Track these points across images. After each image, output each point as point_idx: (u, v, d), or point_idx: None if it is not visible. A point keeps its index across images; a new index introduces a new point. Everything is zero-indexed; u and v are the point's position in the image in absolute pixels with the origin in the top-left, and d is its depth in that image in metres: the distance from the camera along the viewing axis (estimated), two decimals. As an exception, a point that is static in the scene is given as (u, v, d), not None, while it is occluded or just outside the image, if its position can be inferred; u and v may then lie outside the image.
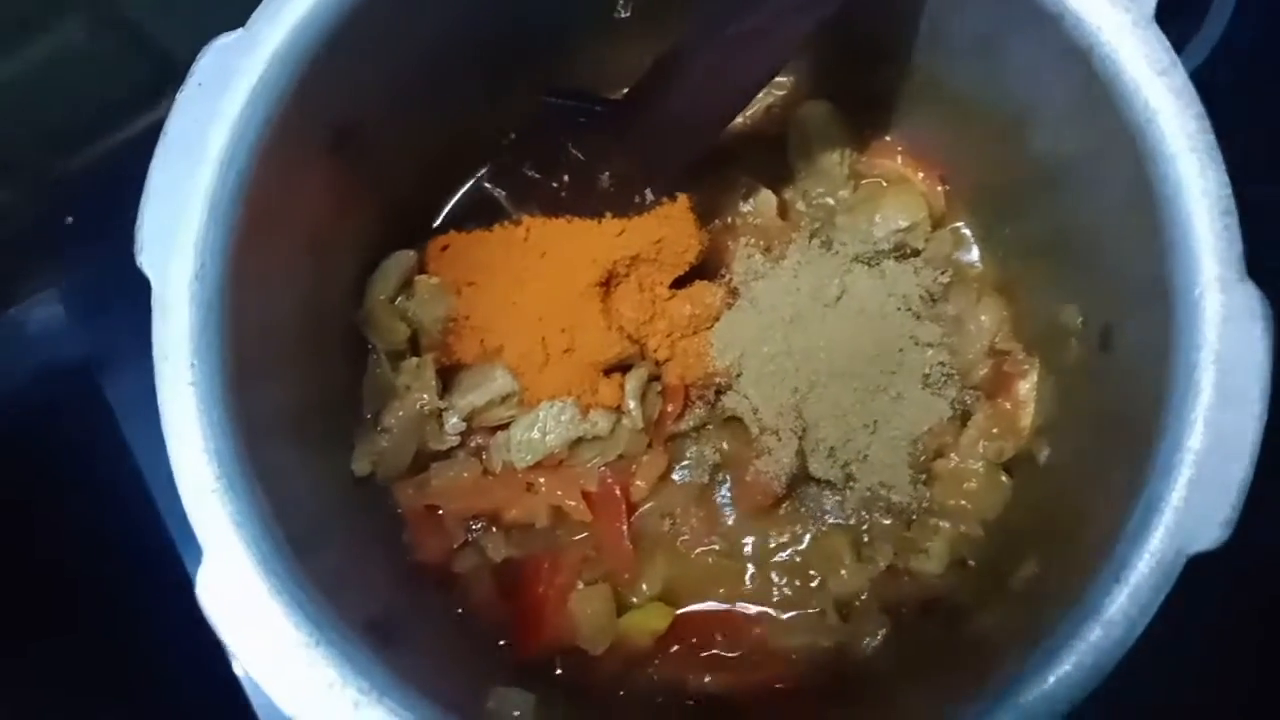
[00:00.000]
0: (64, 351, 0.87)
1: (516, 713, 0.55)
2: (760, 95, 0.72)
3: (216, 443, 0.47)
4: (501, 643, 0.64)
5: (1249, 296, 0.48)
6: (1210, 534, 0.47)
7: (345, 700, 0.45)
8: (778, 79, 0.73)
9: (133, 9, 0.74)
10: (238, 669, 0.76)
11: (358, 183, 0.60)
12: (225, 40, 0.50)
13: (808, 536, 0.68)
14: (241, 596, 0.46)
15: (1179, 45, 0.52)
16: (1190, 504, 0.47)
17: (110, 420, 0.82)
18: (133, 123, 0.85)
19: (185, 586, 0.76)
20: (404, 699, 0.46)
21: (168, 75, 0.81)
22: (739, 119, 0.72)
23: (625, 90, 0.64)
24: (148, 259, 0.48)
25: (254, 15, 0.50)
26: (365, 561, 0.59)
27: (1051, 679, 0.46)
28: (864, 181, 0.72)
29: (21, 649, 0.82)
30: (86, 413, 0.83)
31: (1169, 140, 0.50)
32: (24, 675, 0.82)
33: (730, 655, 0.66)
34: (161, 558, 0.78)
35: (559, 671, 0.65)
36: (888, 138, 0.73)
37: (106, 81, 0.81)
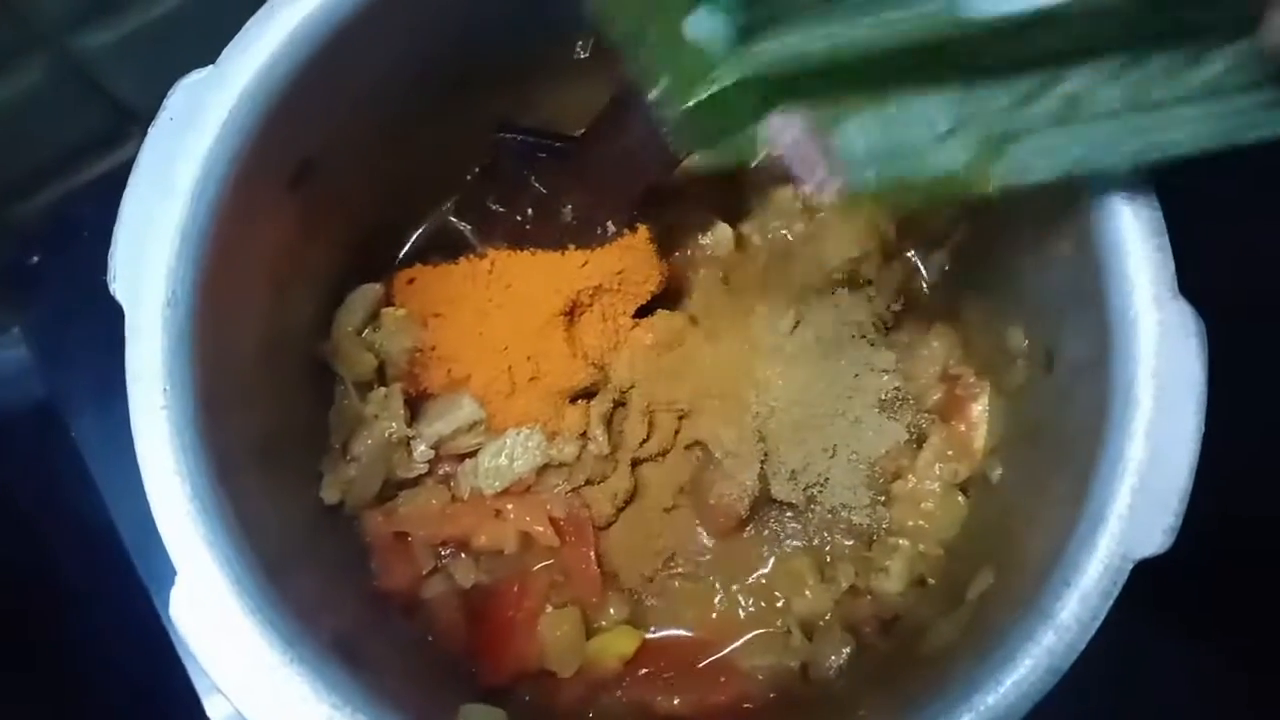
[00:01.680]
0: (28, 390, 0.87)
1: (489, 731, 0.55)
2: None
3: (188, 465, 0.48)
4: (469, 668, 0.64)
5: (1183, 314, 0.51)
6: (1154, 540, 0.49)
7: (319, 716, 0.45)
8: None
9: (89, 57, 0.75)
10: (208, 707, 0.76)
11: (322, 215, 0.61)
12: (195, 77, 0.52)
13: (772, 558, 0.69)
14: (214, 615, 0.46)
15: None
16: (1134, 511, 0.49)
17: (76, 458, 0.82)
18: (93, 166, 0.87)
19: (152, 621, 0.77)
20: (375, 714, 0.46)
21: (126, 120, 0.82)
22: (695, 156, 0.74)
23: (584, 127, 0.66)
24: (120, 286, 0.49)
25: (224, 53, 0.52)
26: (334, 585, 0.60)
27: (1008, 682, 0.48)
28: (818, 215, 0.74)
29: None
30: (52, 451, 0.83)
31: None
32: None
33: (697, 677, 0.67)
34: (128, 594, 0.78)
35: (526, 697, 0.65)
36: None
37: (66, 126, 0.82)
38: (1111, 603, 0.49)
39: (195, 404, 0.49)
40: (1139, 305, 0.51)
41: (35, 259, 0.87)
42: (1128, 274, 0.51)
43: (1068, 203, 0.54)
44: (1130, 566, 0.49)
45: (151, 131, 0.51)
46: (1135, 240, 0.52)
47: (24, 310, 0.88)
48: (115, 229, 0.50)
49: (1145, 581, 0.49)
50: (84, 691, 0.83)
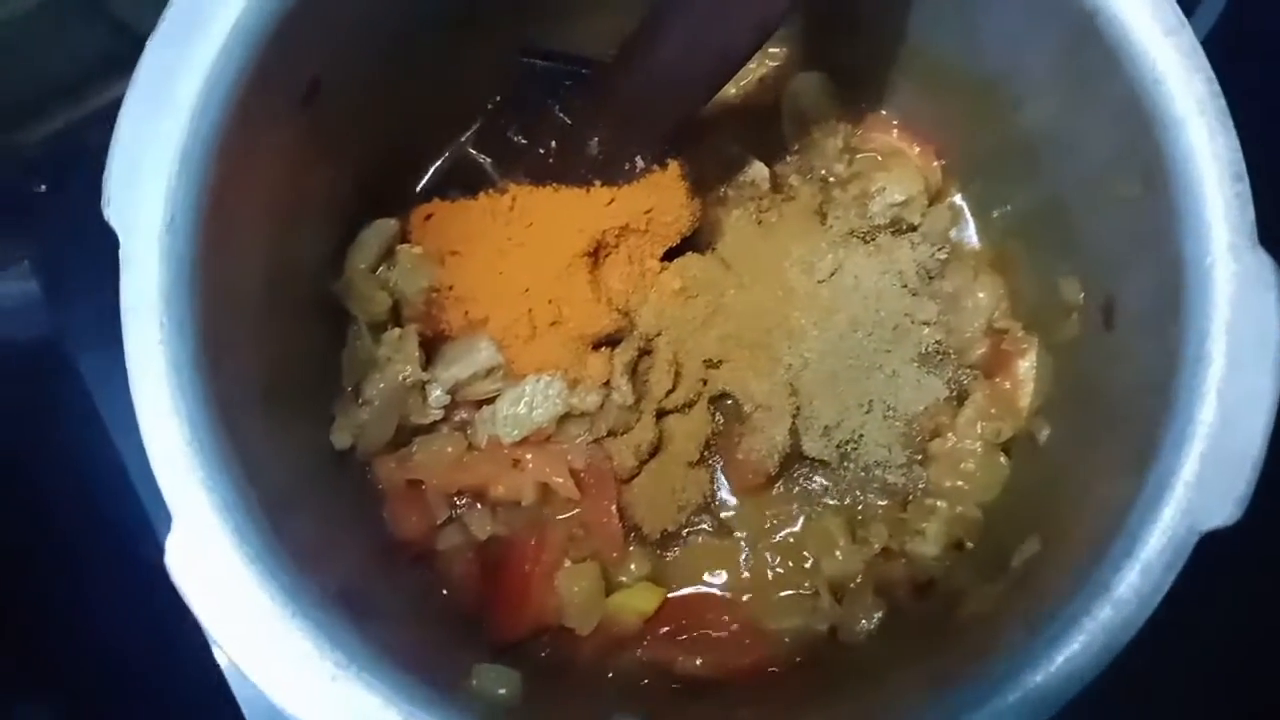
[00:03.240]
0: (36, 324, 0.85)
1: (502, 690, 0.53)
2: (753, 65, 0.71)
3: (186, 404, 0.45)
4: (484, 623, 0.62)
5: (1261, 265, 0.47)
6: (1223, 510, 0.46)
7: (322, 673, 0.43)
8: (770, 49, 0.71)
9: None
10: (219, 655, 0.74)
11: (333, 141, 0.58)
12: (198, -14, 0.48)
13: (801, 517, 0.66)
14: (212, 565, 0.44)
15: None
16: (1203, 479, 0.46)
17: (83, 392, 0.80)
18: (102, 92, 0.83)
19: (158, 561, 0.75)
20: (382, 672, 0.44)
21: (134, 44, 0.78)
22: (731, 89, 0.71)
23: (612, 52, 0.62)
24: (115, 211, 0.46)
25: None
26: (343, 535, 0.57)
27: (1060, 658, 0.45)
28: (859, 155, 0.71)
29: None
30: (59, 385, 0.81)
31: (1178, 103, 0.49)
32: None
33: (721, 637, 0.64)
34: (137, 534, 0.76)
35: (543, 653, 0.63)
36: (883, 111, 0.71)
37: (72, 48, 0.79)
38: (1174, 576, 0.45)
39: (195, 339, 0.46)
40: (1215, 253, 0.47)
41: (42, 188, 0.84)
42: (1204, 218, 0.47)
43: (1138, 135, 0.50)
44: (1196, 538, 0.45)
45: (150, 43, 0.47)
46: (1213, 182, 0.48)
47: (31, 241, 0.86)
48: (110, 149, 0.47)
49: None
50: (90, 633, 0.82)
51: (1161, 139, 0.49)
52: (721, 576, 0.65)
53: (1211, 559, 0.46)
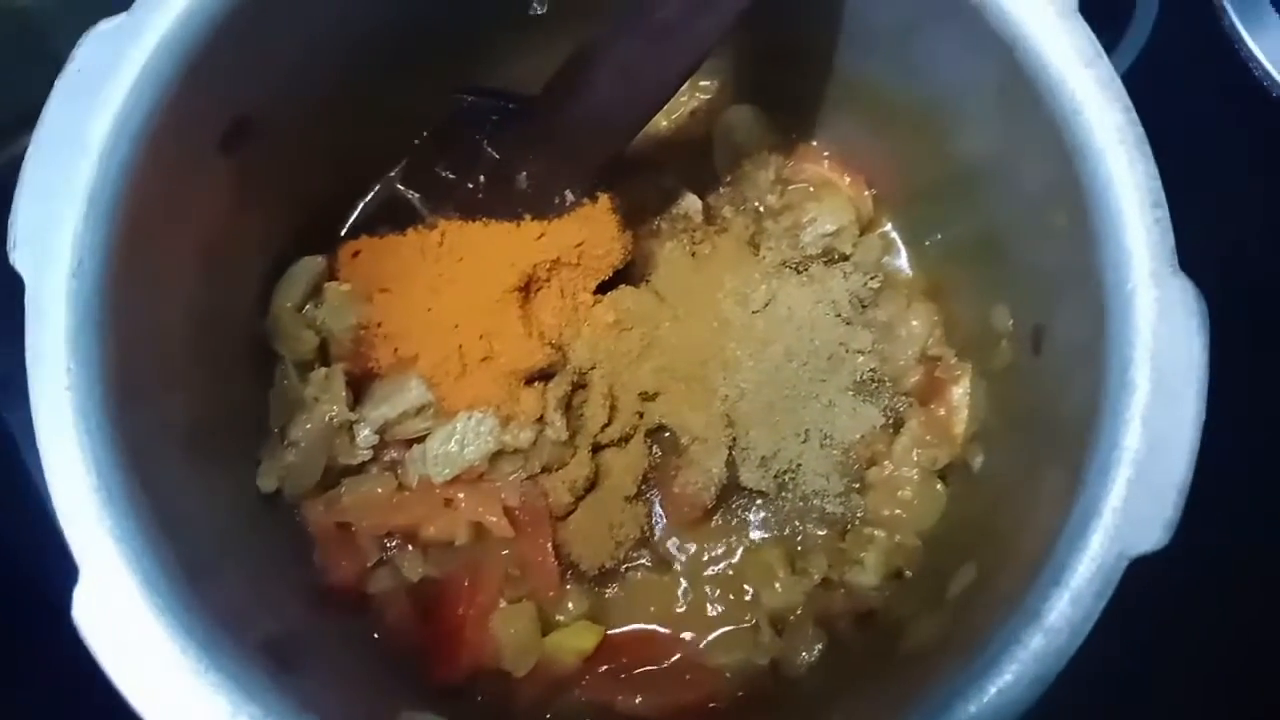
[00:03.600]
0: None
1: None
2: (684, 98, 0.71)
3: (95, 451, 0.43)
4: (419, 668, 0.60)
5: (1184, 290, 0.47)
6: (1151, 536, 0.45)
7: (237, 729, 0.41)
8: (702, 82, 0.71)
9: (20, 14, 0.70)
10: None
11: (257, 180, 0.57)
12: (107, 25, 0.47)
13: (740, 549, 0.66)
14: (120, 617, 0.42)
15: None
16: (1130, 505, 0.46)
17: (10, 445, 0.77)
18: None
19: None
20: (305, 730, 0.42)
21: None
22: (663, 122, 0.71)
23: (541, 87, 0.62)
24: (20, 256, 0.45)
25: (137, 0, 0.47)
26: (270, 582, 0.55)
27: (992, 689, 0.44)
28: (791, 186, 0.71)
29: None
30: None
31: (1097, 133, 0.49)
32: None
33: (661, 675, 0.63)
34: (64, 590, 0.73)
35: (479, 697, 0.61)
36: (814, 142, 0.71)
37: (10, 92, 0.76)
38: (1105, 603, 0.45)
39: (105, 385, 0.45)
40: (1136, 280, 0.47)
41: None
42: (1125, 245, 0.48)
43: (1062, 165, 0.50)
44: (1126, 564, 0.45)
45: (58, 84, 0.46)
46: (1133, 209, 0.48)
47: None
48: (16, 192, 0.46)
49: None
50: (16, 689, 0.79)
51: (1082, 169, 0.49)
52: (661, 612, 0.64)
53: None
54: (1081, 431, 0.48)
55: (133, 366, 0.47)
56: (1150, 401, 0.46)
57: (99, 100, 0.46)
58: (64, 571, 0.71)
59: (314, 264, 0.64)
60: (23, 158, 0.78)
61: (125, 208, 0.46)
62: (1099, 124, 0.49)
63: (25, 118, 0.76)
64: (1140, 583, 0.45)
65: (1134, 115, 0.49)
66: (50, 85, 0.74)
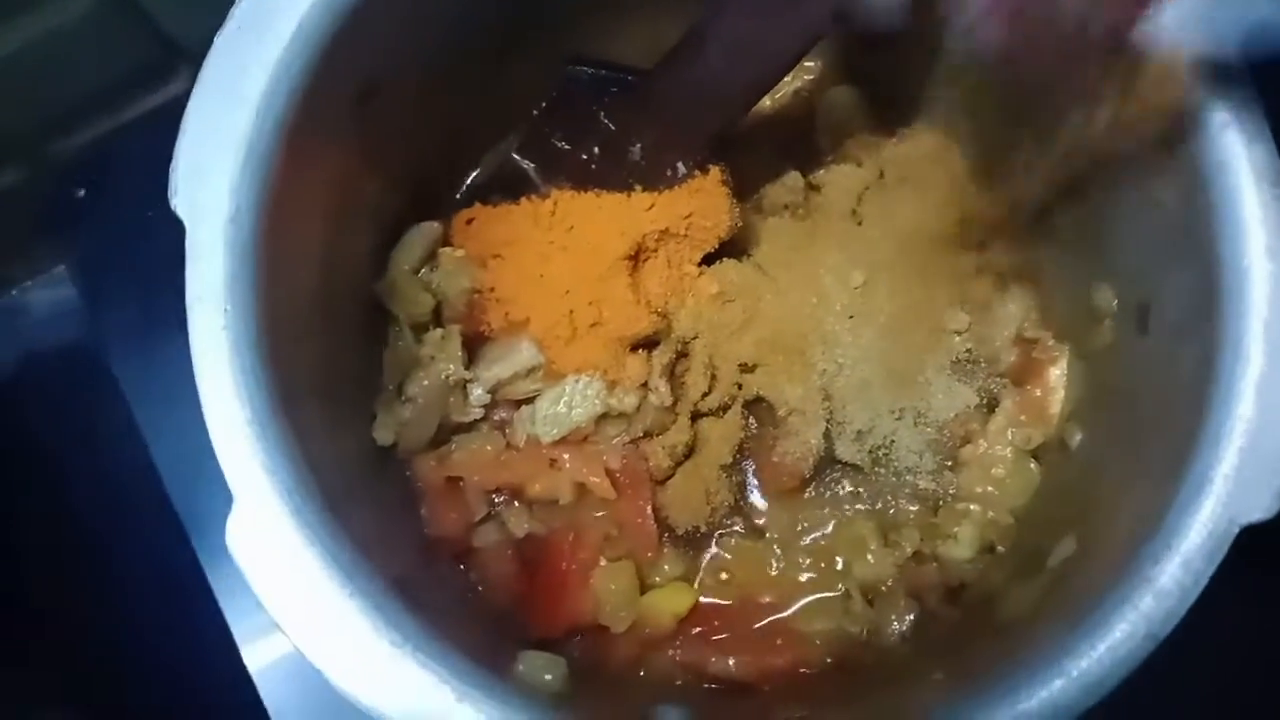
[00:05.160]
0: (72, 330, 0.86)
1: (548, 676, 0.53)
2: (789, 79, 0.72)
3: (250, 390, 0.46)
4: (520, 620, 0.62)
5: (1297, 267, 0.48)
6: (1263, 504, 0.46)
7: (378, 652, 0.44)
8: (806, 63, 0.73)
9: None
10: (246, 656, 0.74)
11: (383, 142, 0.59)
12: (263, -11, 0.49)
13: (833, 521, 0.67)
14: (272, 545, 0.44)
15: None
16: (1242, 473, 0.47)
17: (119, 398, 0.80)
18: (140, 102, 0.85)
19: (192, 567, 0.75)
20: (436, 653, 0.45)
21: (172, 54, 0.80)
22: (767, 101, 0.72)
23: (655, 62, 0.63)
24: (182, 202, 0.47)
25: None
26: (388, 527, 0.58)
27: (1101, 647, 0.45)
28: (891, 166, 0.71)
29: (22, 639, 0.80)
30: (94, 390, 0.82)
31: (1215, 112, 0.50)
32: (27, 663, 0.80)
33: (752, 638, 0.64)
34: (167, 539, 0.77)
35: (577, 652, 0.63)
36: (915, 124, 0.72)
37: (112, 58, 0.80)
38: (1215, 567, 0.46)
39: (256, 327, 0.47)
40: (1252, 255, 0.48)
41: (80, 193, 0.86)
42: (1241, 220, 0.49)
43: (1175, 143, 0.51)
44: (1236, 530, 0.46)
45: (218, 40, 0.49)
46: (1250, 185, 0.49)
47: (69, 248, 0.87)
48: (178, 141, 0.48)
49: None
50: (120, 638, 0.82)
51: (1197, 147, 0.50)
52: (754, 578, 0.66)
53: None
54: (1190, 405, 0.49)
55: (275, 312, 0.49)
56: (1265, 373, 0.47)
57: (257, 55, 0.48)
58: (169, 525, 0.76)
59: (430, 229, 0.66)
60: (121, 125, 0.83)
61: (277, 160, 0.49)
62: (1217, 103, 0.50)
63: (125, 87, 0.81)
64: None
65: (1254, 93, 0.50)
66: (148, 55, 0.79)
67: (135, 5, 0.75)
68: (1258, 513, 0.46)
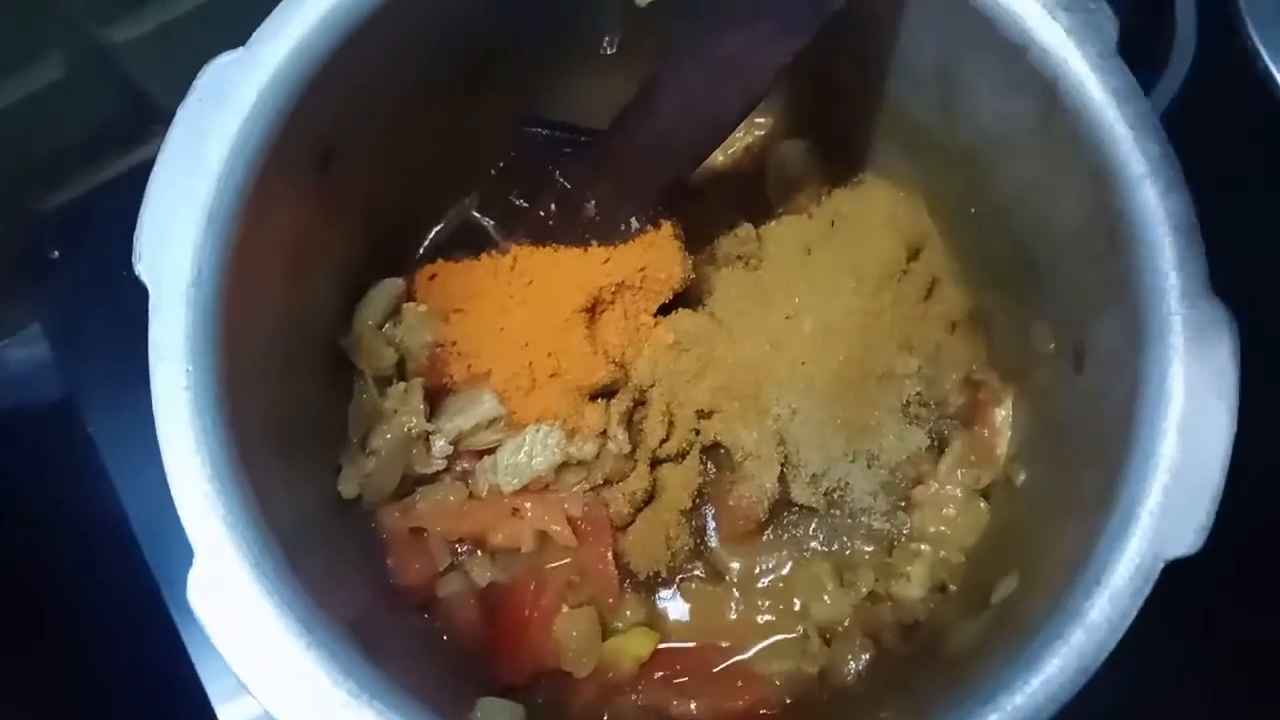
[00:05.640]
0: (46, 386, 0.87)
1: (507, 724, 0.55)
2: (740, 134, 0.75)
3: (210, 446, 0.47)
4: (484, 667, 0.64)
5: (1215, 309, 0.50)
6: (1186, 539, 0.48)
7: (334, 701, 0.45)
8: (756, 119, 0.76)
9: (114, 50, 0.76)
10: (220, 713, 0.75)
11: (344, 204, 0.61)
12: (226, 59, 0.52)
13: (790, 562, 0.68)
14: (231, 597, 0.46)
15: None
16: (1166, 510, 0.48)
17: (92, 453, 0.81)
18: (115, 162, 0.87)
19: (164, 620, 0.76)
20: (393, 701, 0.46)
21: (148, 115, 0.82)
22: (719, 156, 0.75)
23: (609, 122, 0.66)
24: (146, 267, 0.49)
25: (255, 35, 0.52)
26: (349, 576, 0.59)
27: (1035, 682, 0.47)
28: (841, 215, 0.74)
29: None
30: (68, 446, 0.83)
31: (1134, 165, 0.53)
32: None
33: (713, 681, 0.66)
34: (140, 591, 0.77)
35: (540, 699, 0.64)
36: (863, 175, 0.75)
37: (89, 119, 0.82)
38: (1142, 602, 0.48)
39: (217, 385, 0.49)
40: (1172, 303, 0.51)
41: (55, 254, 0.87)
42: (1162, 271, 0.51)
43: (1103, 196, 0.53)
44: (1161, 566, 0.48)
45: (180, 111, 0.51)
46: (1168, 238, 0.51)
47: (42, 305, 0.88)
48: (142, 209, 0.50)
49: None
50: (93, 691, 0.83)
51: (1120, 198, 0.53)
52: (714, 621, 0.67)
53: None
54: (1120, 441, 0.51)
55: (237, 369, 0.51)
56: (1185, 413, 0.49)
57: (217, 126, 0.51)
58: (140, 576, 0.77)
59: (394, 285, 0.68)
60: (96, 184, 0.85)
61: (237, 225, 0.51)
62: (1136, 157, 0.53)
63: (102, 146, 0.83)
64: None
65: (1169, 149, 0.53)
66: (128, 114, 0.81)
67: (112, 68, 0.77)
68: (1182, 548, 0.48)
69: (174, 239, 0.49)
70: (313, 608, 0.47)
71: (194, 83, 0.51)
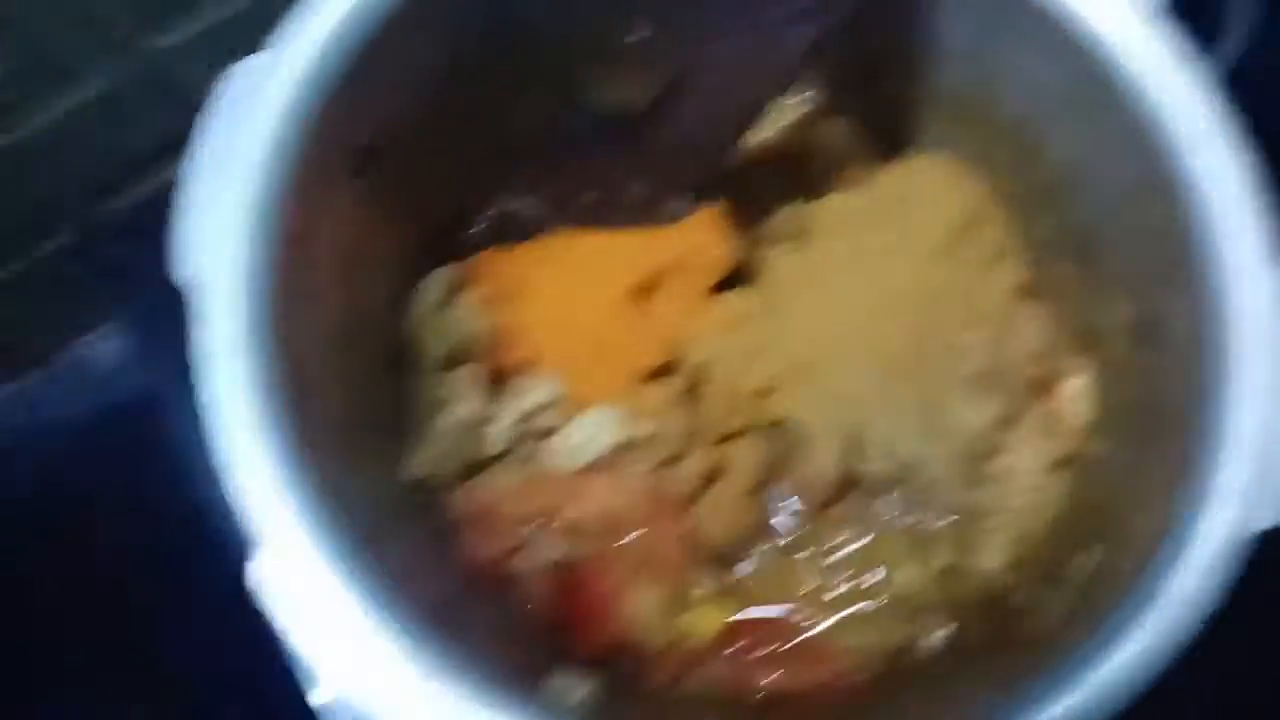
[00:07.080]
0: (121, 387, 0.90)
1: (578, 697, 0.55)
2: (785, 113, 0.72)
3: (275, 441, 0.48)
4: (560, 641, 0.64)
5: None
6: (1275, 509, 0.46)
7: (411, 679, 0.45)
8: (800, 97, 0.73)
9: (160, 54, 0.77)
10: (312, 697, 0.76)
11: (388, 199, 0.61)
12: (252, 62, 0.52)
13: (863, 537, 0.67)
14: (297, 585, 0.46)
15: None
16: (1251, 479, 0.47)
17: (172, 449, 0.83)
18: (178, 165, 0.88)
19: (254, 614, 0.77)
20: (470, 678, 0.46)
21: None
22: (768, 134, 0.72)
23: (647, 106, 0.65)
24: (191, 268, 0.50)
25: (276, 38, 0.52)
26: (423, 559, 0.60)
27: (1118, 659, 0.46)
28: (890, 191, 0.72)
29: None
30: (142, 449, 0.85)
31: (1184, 130, 0.51)
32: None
33: (787, 654, 0.65)
34: (229, 588, 0.78)
35: (615, 671, 0.64)
36: (911, 149, 0.73)
37: (147, 127, 0.83)
38: (1231, 574, 0.46)
39: (275, 384, 0.49)
40: (1241, 269, 0.49)
41: (127, 253, 0.89)
42: (1227, 237, 0.49)
43: (1153, 166, 0.52)
44: (1250, 536, 0.46)
45: (213, 111, 0.51)
46: (1228, 203, 0.50)
47: (118, 305, 0.90)
48: (182, 214, 0.50)
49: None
50: (184, 688, 0.84)
51: (1172, 165, 0.51)
52: (786, 595, 0.67)
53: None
54: (1197, 415, 0.49)
55: (295, 364, 0.51)
56: (1265, 380, 0.48)
57: (253, 125, 0.50)
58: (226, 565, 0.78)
59: (447, 274, 0.68)
60: (163, 185, 0.86)
61: (282, 222, 0.51)
62: (1186, 121, 0.51)
63: (164, 149, 0.85)
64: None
65: (1224, 112, 0.51)
66: (180, 118, 0.82)
67: (167, 78, 0.79)
68: (1269, 520, 0.46)
69: (220, 237, 0.49)
70: (391, 592, 0.47)
71: (223, 84, 0.51)
